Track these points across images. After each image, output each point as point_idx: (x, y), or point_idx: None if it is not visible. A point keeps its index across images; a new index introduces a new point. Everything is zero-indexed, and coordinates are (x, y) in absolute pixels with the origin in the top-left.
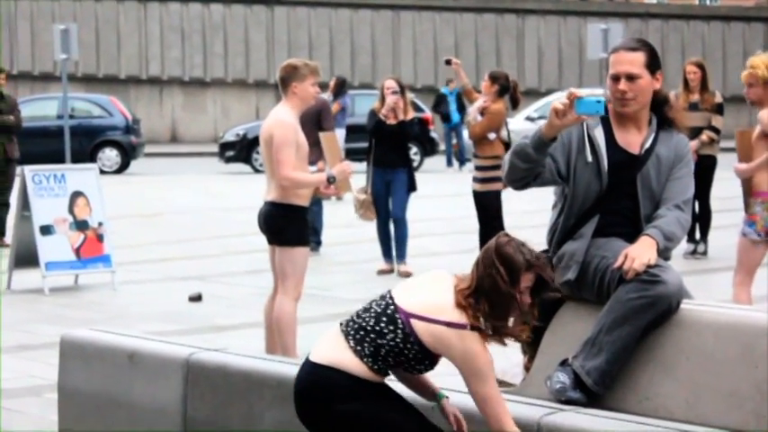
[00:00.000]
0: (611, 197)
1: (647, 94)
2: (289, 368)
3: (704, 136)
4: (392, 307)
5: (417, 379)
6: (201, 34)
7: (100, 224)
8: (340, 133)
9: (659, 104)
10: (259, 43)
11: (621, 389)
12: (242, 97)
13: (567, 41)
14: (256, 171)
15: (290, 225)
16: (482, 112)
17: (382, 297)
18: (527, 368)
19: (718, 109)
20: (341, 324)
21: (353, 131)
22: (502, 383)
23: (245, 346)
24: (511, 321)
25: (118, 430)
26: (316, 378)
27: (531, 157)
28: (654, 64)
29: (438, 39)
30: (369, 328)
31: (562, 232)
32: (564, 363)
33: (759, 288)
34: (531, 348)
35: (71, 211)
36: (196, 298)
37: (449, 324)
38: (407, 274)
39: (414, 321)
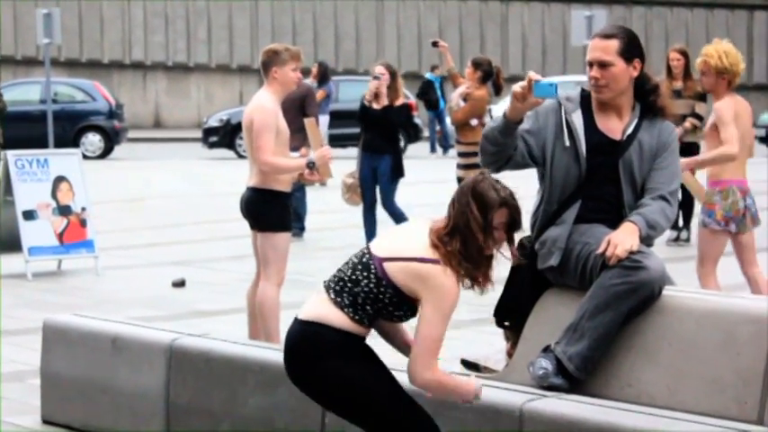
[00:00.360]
0: (593, 183)
1: (621, 82)
2: (271, 354)
3: (687, 123)
4: (367, 255)
5: (401, 336)
6: (185, 19)
7: (83, 209)
8: (324, 119)
9: (646, 93)
10: (243, 29)
11: (604, 375)
12: (225, 83)
13: (551, 28)
14: (240, 156)
15: (271, 210)
16: (465, 98)
17: (361, 249)
18: (510, 354)
19: (702, 96)
20: (324, 281)
21: (337, 117)
22: (485, 369)
23: (229, 331)
24: (483, 263)
25: (101, 415)
26: (302, 334)
27: (498, 140)
28: (629, 51)
29: (422, 25)
30: (346, 278)
31: (544, 218)
32: (546, 349)
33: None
34: (513, 335)
35: (54, 196)
36: (179, 283)
37: (421, 260)
38: None
39: (387, 264)
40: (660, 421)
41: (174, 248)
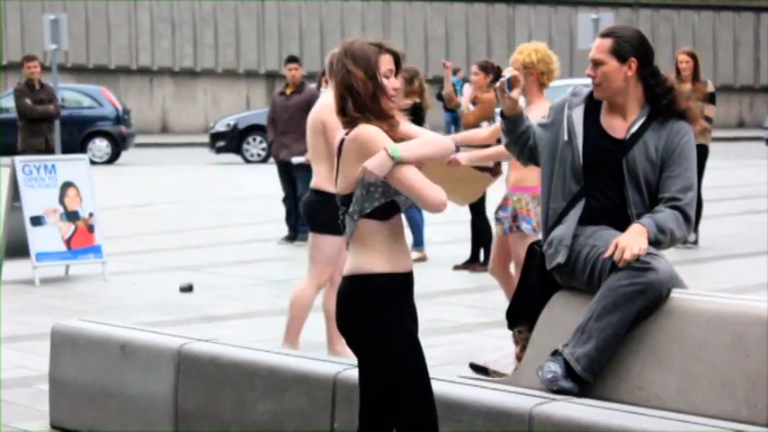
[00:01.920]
0: (597, 182)
1: (614, 81)
2: (280, 358)
3: (697, 126)
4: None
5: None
6: (192, 24)
7: (90, 215)
8: None
9: (658, 95)
10: (249, 33)
11: (613, 379)
12: (232, 87)
13: (558, 31)
14: (247, 161)
15: (321, 212)
16: (474, 101)
17: None
18: (519, 358)
19: (711, 98)
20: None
21: None
22: (494, 373)
23: (237, 336)
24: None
25: (109, 421)
26: (345, 289)
27: (507, 135)
28: (623, 50)
29: (428, 29)
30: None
31: (552, 218)
32: (555, 352)
33: (758, 276)
34: (525, 338)
35: (62, 201)
36: (187, 288)
37: (339, 150)
38: (422, 259)
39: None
40: (670, 424)
41: (181, 254)
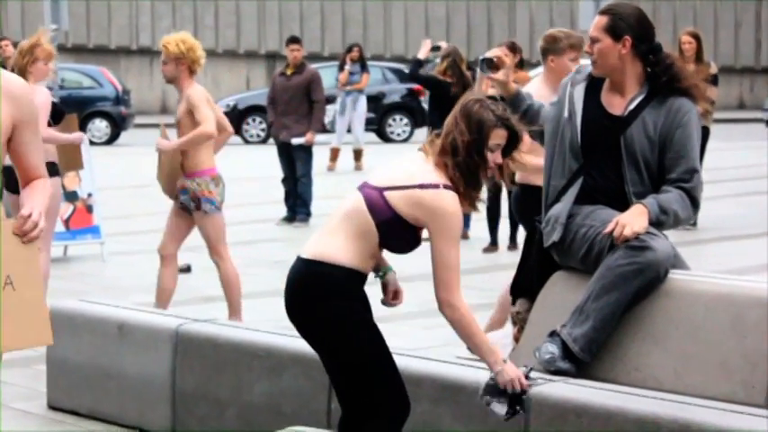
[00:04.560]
0: (596, 159)
1: (608, 58)
2: (278, 339)
3: (699, 107)
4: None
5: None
6: (192, 5)
7: (89, 195)
8: (363, 101)
9: (658, 73)
10: (250, 14)
11: (611, 359)
12: (232, 68)
13: (559, 13)
14: (246, 142)
15: (529, 206)
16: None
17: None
18: (516, 339)
19: (713, 80)
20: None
21: None
22: None
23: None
24: (479, 184)
25: (107, 401)
26: (306, 274)
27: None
28: (618, 28)
29: (429, 10)
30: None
31: (552, 195)
32: (553, 333)
33: (758, 258)
34: (520, 319)
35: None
36: (185, 269)
37: (422, 186)
38: None
39: (387, 194)
40: (667, 405)
41: None
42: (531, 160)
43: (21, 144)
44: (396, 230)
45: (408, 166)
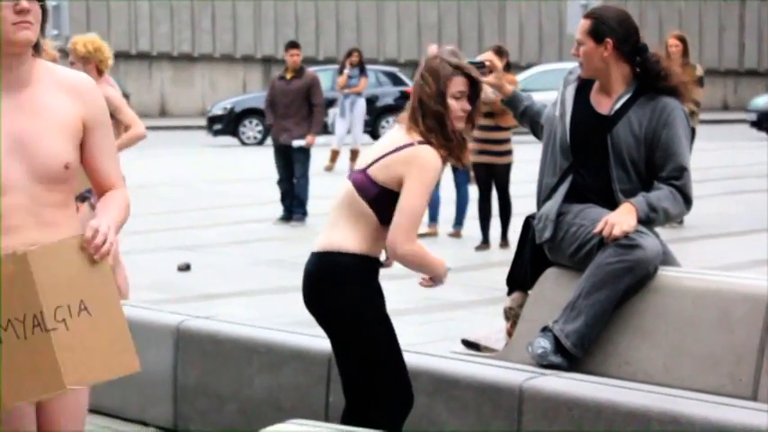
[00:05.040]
0: (584, 157)
1: (592, 61)
2: (277, 335)
3: (685, 107)
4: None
5: None
6: (190, 9)
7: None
8: (362, 104)
9: (650, 74)
10: (246, 19)
11: (602, 354)
12: (229, 72)
13: (548, 17)
14: (243, 144)
15: None
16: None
17: None
18: (509, 334)
19: (699, 82)
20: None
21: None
22: (485, 349)
23: (234, 314)
24: (453, 136)
25: (109, 397)
26: (319, 265)
27: (515, 114)
28: (600, 31)
29: (421, 14)
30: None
31: (544, 192)
32: (545, 328)
33: (743, 255)
34: (513, 315)
35: None
36: (184, 268)
37: (397, 149)
38: (432, 234)
39: (370, 171)
40: (656, 398)
41: (179, 234)
42: None
43: (91, 147)
44: (387, 204)
45: (384, 139)
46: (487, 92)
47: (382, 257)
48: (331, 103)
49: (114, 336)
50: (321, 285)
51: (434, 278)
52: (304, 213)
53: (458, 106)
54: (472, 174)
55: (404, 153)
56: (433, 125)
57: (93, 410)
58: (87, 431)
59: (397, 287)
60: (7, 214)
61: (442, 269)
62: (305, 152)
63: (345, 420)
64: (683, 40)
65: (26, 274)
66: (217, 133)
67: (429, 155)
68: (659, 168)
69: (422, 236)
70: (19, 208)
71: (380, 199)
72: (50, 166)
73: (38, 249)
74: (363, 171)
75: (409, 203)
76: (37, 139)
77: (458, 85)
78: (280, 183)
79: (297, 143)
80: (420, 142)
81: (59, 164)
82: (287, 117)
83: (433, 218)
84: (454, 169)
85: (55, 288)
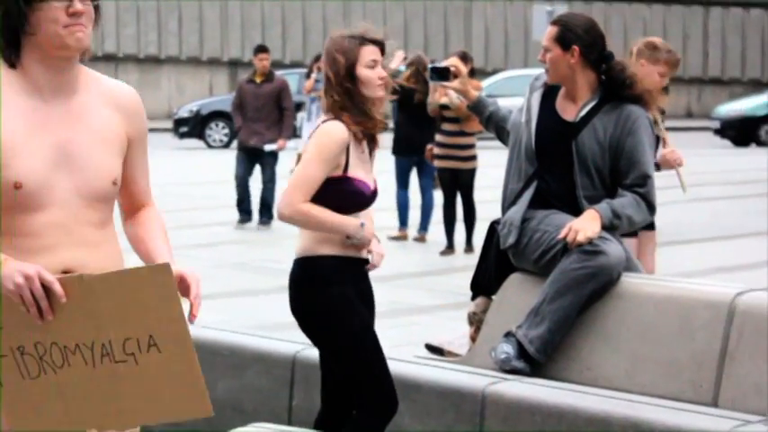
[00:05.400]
0: (549, 163)
1: (559, 68)
2: (241, 338)
3: (650, 114)
4: None
5: None
6: (156, 11)
7: None
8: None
9: (615, 82)
10: (213, 21)
11: (564, 359)
12: (196, 74)
13: (513, 23)
14: (209, 147)
15: None
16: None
17: None
18: (473, 339)
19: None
20: None
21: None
22: (449, 354)
23: (200, 316)
24: (365, 105)
25: None
26: (297, 270)
27: (480, 119)
28: (567, 39)
29: (388, 20)
30: None
31: (509, 198)
32: (509, 334)
33: (705, 262)
34: (477, 320)
35: None
36: None
37: (311, 135)
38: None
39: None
40: (618, 404)
41: None
42: None
43: (131, 164)
44: (329, 193)
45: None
46: (453, 97)
47: (365, 255)
48: (298, 106)
49: (185, 377)
50: (297, 291)
51: (350, 237)
52: (270, 217)
53: (374, 74)
54: (437, 177)
55: (314, 134)
56: (344, 102)
57: None
58: None
59: None
60: (43, 233)
61: (352, 227)
62: (274, 156)
63: (318, 425)
64: None
65: (94, 300)
66: (183, 136)
67: (331, 127)
68: (623, 176)
69: (393, 239)
70: (57, 226)
71: (322, 191)
72: (98, 182)
73: (106, 275)
74: None
75: (299, 169)
76: (85, 151)
77: (369, 53)
78: (239, 186)
79: (269, 147)
80: (330, 119)
81: (108, 180)
82: (257, 121)
83: (404, 222)
84: (419, 174)
85: (123, 318)
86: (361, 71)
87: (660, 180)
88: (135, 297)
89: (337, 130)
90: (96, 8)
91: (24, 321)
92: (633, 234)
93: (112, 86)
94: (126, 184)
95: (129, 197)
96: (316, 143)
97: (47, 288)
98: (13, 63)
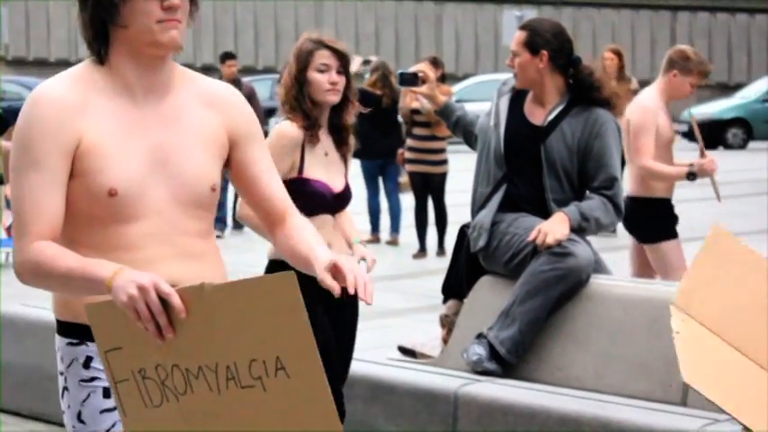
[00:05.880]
0: (518, 167)
1: (528, 72)
2: None
3: (619, 118)
4: None
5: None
6: None
7: None
8: None
9: (582, 86)
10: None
11: (535, 360)
12: None
13: (484, 27)
14: None
15: (651, 220)
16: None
17: None
18: (445, 341)
19: (634, 95)
20: None
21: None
22: (421, 355)
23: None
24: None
25: (50, 403)
26: (267, 272)
27: (448, 125)
28: (535, 43)
29: (359, 25)
30: None
31: (479, 202)
32: (480, 335)
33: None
34: (449, 322)
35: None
36: None
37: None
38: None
39: None
40: (588, 404)
41: None
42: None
43: (251, 165)
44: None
45: None
46: (423, 102)
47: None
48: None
49: (314, 403)
50: None
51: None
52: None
53: (323, 79)
54: (402, 180)
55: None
56: (294, 104)
57: (34, 417)
58: (6, 431)
59: None
60: (142, 245)
61: None
62: None
63: None
64: (618, 53)
65: (216, 314)
66: None
67: (279, 127)
68: (591, 179)
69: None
70: (156, 237)
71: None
72: (196, 188)
73: (228, 285)
74: None
75: None
76: (181, 155)
77: (320, 57)
78: None
79: None
80: (283, 119)
81: (207, 185)
82: None
83: (375, 227)
84: (384, 178)
85: (248, 336)
86: (311, 74)
87: (627, 183)
88: (259, 311)
89: (284, 130)
90: (193, 1)
91: (144, 339)
92: (674, 236)
93: (209, 84)
94: (257, 189)
95: (262, 207)
96: (267, 143)
97: (164, 300)
98: (102, 58)
